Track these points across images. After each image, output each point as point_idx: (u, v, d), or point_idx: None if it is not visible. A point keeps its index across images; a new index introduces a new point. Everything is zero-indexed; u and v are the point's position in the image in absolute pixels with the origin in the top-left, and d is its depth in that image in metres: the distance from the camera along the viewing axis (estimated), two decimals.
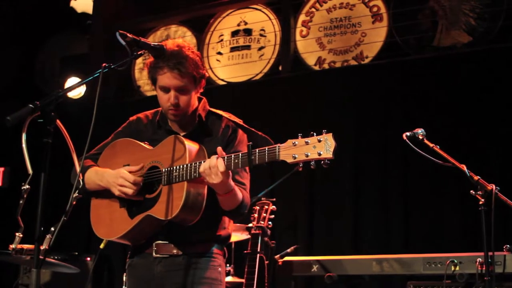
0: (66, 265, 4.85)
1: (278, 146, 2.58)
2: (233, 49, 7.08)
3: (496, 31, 5.72)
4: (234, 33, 7.11)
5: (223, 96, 6.76)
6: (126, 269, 3.15)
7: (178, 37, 7.45)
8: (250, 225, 4.13)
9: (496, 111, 5.35)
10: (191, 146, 2.87)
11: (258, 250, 3.99)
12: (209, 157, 2.80)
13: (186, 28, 7.45)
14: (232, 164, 2.70)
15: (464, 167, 3.39)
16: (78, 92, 7.05)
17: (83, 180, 3.02)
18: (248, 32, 7.03)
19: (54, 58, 8.06)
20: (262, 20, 6.97)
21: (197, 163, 2.77)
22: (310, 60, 6.59)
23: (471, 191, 3.28)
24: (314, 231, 5.88)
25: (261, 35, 6.95)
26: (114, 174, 2.95)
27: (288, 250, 4.69)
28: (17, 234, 2.09)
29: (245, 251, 4.08)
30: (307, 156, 2.50)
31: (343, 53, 6.45)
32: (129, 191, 2.89)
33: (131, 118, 3.22)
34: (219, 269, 3.04)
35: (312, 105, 6.22)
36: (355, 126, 6.00)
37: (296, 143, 2.53)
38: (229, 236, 3.14)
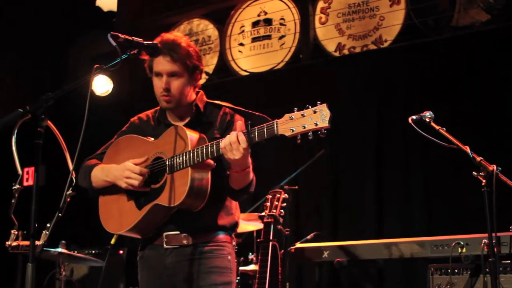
0: (93, 259, 5.02)
1: (276, 122, 2.63)
2: (254, 40, 7.13)
3: None
4: (255, 24, 7.15)
5: (247, 87, 6.85)
6: (137, 262, 3.19)
7: (201, 30, 7.54)
8: (263, 214, 4.19)
9: None
10: (192, 135, 2.96)
11: (271, 238, 4.05)
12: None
13: (208, 21, 7.52)
14: None
15: (467, 149, 3.39)
16: (106, 90, 7.20)
17: (89, 179, 3.13)
18: (268, 22, 7.07)
19: (84, 57, 8.25)
20: (281, 9, 6.98)
21: (199, 148, 2.84)
22: (330, 46, 6.60)
23: (473, 172, 3.27)
24: (338, 218, 5.92)
25: (281, 24, 6.98)
26: (120, 168, 3.03)
27: (308, 237, 4.75)
28: (12, 231, 2.20)
29: (258, 240, 4.15)
30: (304, 127, 2.55)
31: (362, 38, 6.43)
32: (135, 182, 2.97)
33: (132, 119, 3.32)
34: (229, 257, 3.08)
35: (333, 91, 6.24)
36: (377, 111, 6.00)
37: (293, 116, 2.59)
38: (236, 224, 3.17)
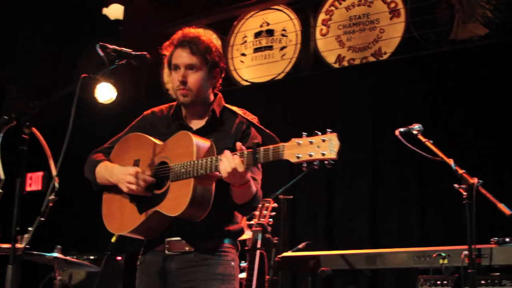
0: (89, 264, 5.09)
1: (283, 145, 2.52)
2: (256, 50, 7.23)
3: None
4: (257, 34, 7.26)
5: (247, 97, 6.92)
6: (137, 266, 3.10)
7: None
8: (252, 222, 4.24)
9: None
10: (200, 143, 2.85)
11: (258, 246, 4.09)
12: (219, 152, 2.78)
13: (211, 31, 7.61)
14: None
15: (451, 161, 3.44)
16: (109, 97, 7.30)
17: (94, 175, 3.07)
18: (270, 32, 7.17)
19: (90, 65, 8.37)
20: (283, 20, 7.09)
21: (204, 160, 2.76)
22: (330, 58, 6.68)
23: (455, 184, 3.32)
24: (333, 227, 5.97)
25: (282, 35, 7.07)
26: (123, 171, 2.94)
27: (300, 246, 4.79)
28: None
29: (246, 248, 4.19)
30: (310, 156, 2.43)
31: (362, 50, 6.51)
32: (137, 188, 2.89)
33: (145, 112, 3.23)
34: (232, 263, 2.98)
35: (333, 102, 6.32)
36: (375, 122, 6.05)
37: (301, 142, 2.47)
38: (241, 230, 3.10)
